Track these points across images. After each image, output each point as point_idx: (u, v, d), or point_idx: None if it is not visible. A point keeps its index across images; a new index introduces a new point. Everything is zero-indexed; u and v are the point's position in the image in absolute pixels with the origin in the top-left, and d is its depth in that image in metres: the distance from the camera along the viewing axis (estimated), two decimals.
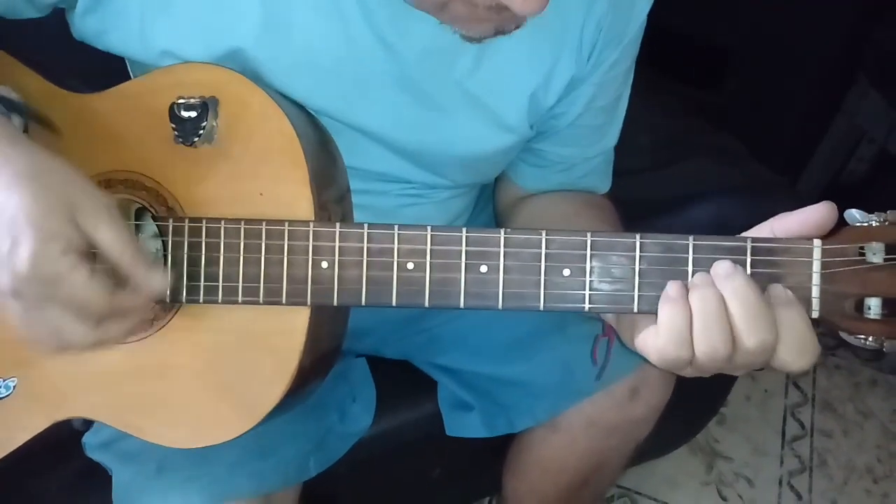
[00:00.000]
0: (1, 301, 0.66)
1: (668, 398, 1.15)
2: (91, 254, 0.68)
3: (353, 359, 1.17)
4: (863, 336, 0.68)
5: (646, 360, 0.72)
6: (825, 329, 0.69)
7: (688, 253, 0.69)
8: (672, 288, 0.68)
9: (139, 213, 0.82)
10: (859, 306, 0.67)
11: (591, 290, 0.70)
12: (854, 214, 0.68)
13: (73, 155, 0.75)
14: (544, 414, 1.15)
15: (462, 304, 0.72)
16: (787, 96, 1.94)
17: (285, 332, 0.77)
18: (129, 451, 0.97)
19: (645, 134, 1.46)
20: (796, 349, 0.67)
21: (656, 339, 0.68)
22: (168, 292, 0.76)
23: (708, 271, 0.68)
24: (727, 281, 0.66)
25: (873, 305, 0.67)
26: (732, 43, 1.98)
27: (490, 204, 1.18)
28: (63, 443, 0.92)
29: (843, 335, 0.70)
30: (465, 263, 0.72)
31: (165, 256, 0.77)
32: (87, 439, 1.02)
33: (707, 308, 0.66)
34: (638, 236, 0.70)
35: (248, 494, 0.96)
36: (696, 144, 1.59)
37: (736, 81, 2.01)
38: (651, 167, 1.49)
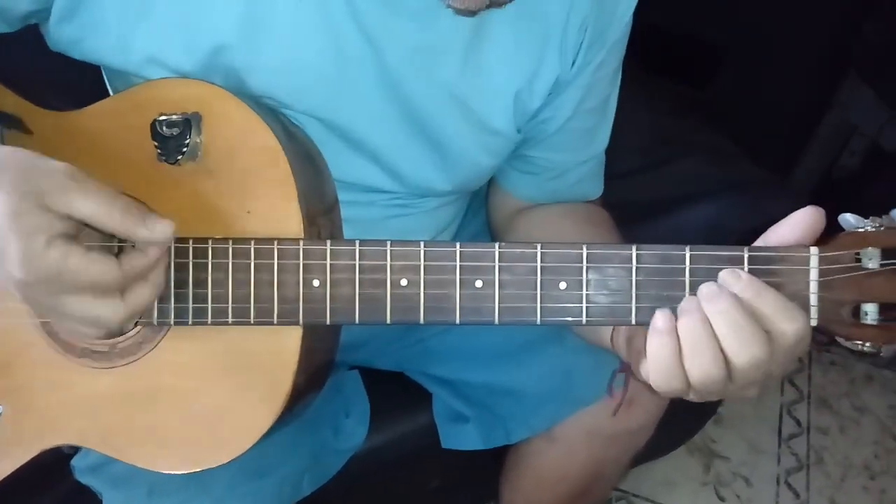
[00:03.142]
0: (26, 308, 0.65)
1: (665, 406, 1.14)
2: (81, 227, 0.65)
3: (345, 371, 1.16)
4: (860, 342, 0.68)
5: None
6: (822, 336, 0.69)
7: (684, 263, 0.68)
8: (659, 320, 0.67)
9: None
10: (856, 312, 0.67)
11: (588, 302, 0.69)
12: (848, 219, 0.67)
13: None
14: (541, 424, 1.14)
15: (458, 321, 0.71)
16: (778, 93, 1.94)
17: (278, 351, 0.75)
18: (120, 475, 0.95)
19: (636, 135, 1.46)
20: (793, 357, 0.67)
21: (649, 373, 0.68)
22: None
23: (704, 281, 0.67)
24: (711, 303, 0.66)
25: (870, 311, 0.67)
26: (722, 40, 1.98)
27: (481, 212, 1.17)
28: (51, 466, 0.89)
29: (840, 341, 0.69)
30: (460, 279, 0.70)
31: None
32: (76, 462, 1.00)
33: (694, 335, 0.66)
34: (634, 248, 0.69)
35: None
36: (688, 144, 1.59)
37: (726, 79, 2.02)
38: (643, 169, 1.49)
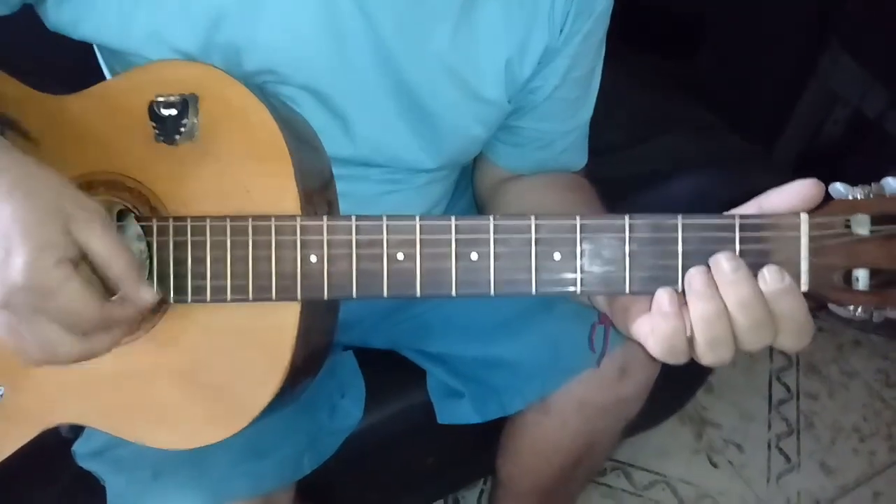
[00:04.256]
0: None
1: (656, 376, 1.15)
2: (82, 264, 0.68)
3: (340, 352, 1.17)
4: (852, 307, 0.68)
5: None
6: (814, 302, 0.69)
7: (677, 232, 0.69)
8: (665, 302, 0.67)
9: (121, 215, 0.80)
10: (847, 278, 0.67)
11: (582, 272, 0.70)
12: (838, 188, 0.68)
13: (52, 158, 0.74)
14: (535, 394, 1.15)
15: (454, 293, 0.71)
16: (761, 64, 1.94)
17: (276, 328, 0.76)
18: (123, 459, 0.96)
19: (620, 109, 1.46)
20: (795, 336, 0.67)
21: (654, 347, 0.68)
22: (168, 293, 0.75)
23: (699, 254, 0.68)
24: (732, 288, 0.65)
25: (861, 277, 0.67)
26: (705, 12, 1.97)
27: (469, 189, 1.17)
28: (52, 453, 0.90)
29: (833, 307, 0.70)
30: (456, 252, 0.71)
31: (150, 257, 0.76)
32: (78, 448, 1.01)
33: (708, 326, 0.65)
34: (627, 217, 0.69)
35: (245, 496, 0.95)
36: (672, 118, 1.59)
37: (709, 52, 2.01)
38: (627, 143, 1.49)
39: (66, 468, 1.01)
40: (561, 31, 0.91)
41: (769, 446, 1.88)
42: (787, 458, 1.86)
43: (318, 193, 0.80)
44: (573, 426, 1.18)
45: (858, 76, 1.90)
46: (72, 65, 0.86)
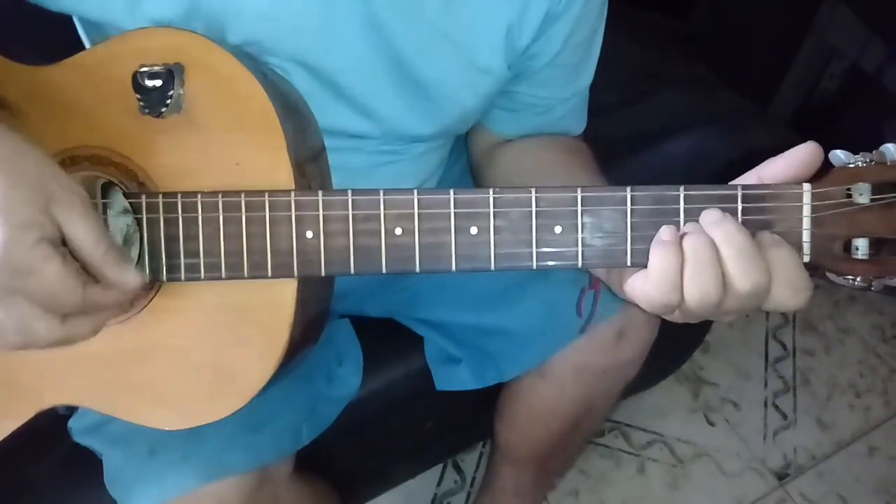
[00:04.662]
0: None
1: (653, 339, 1.15)
2: (63, 246, 0.65)
3: (336, 320, 1.16)
4: (851, 276, 0.68)
5: (630, 303, 0.71)
6: (813, 271, 0.69)
7: (679, 203, 0.67)
8: (665, 232, 0.66)
9: (106, 189, 0.78)
10: (847, 247, 0.67)
11: (583, 245, 0.69)
12: (839, 155, 0.67)
13: (33, 132, 0.72)
14: (532, 360, 1.14)
15: (454, 268, 0.70)
16: (757, 18, 1.92)
17: (273, 303, 0.74)
18: (118, 434, 0.95)
19: (614, 69, 1.43)
20: (790, 287, 0.66)
21: (645, 284, 0.67)
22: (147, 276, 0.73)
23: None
24: (717, 227, 0.65)
25: (861, 246, 0.67)
26: None
27: (463, 155, 1.15)
28: (47, 429, 0.89)
29: (831, 276, 0.69)
30: (455, 226, 0.69)
31: (141, 235, 0.74)
32: (73, 424, 1.00)
33: (699, 254, 0.65)
34: (628, 189, 0.68)
35: (243, 469, 0.94)
36: (667, 76, 1.58)
37: (705, 7, 1.99)
38: (622, 102, 1.47)
39: (60, 442, 1.00)
40: None
41: (765, 404, 1.89)
42: (784, 415, 1.87)
43: (311, 165, 0.78)
44: (571, 391, 1.17)
45: (857, 29, 1.88)
46: (52, 36, 0.83)
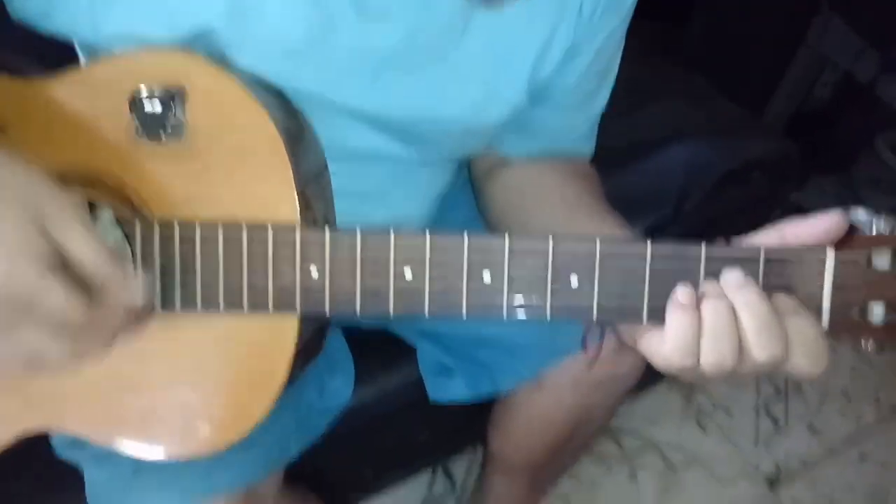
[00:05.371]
0: None
1: None
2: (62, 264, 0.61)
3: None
4: (864, 340, 0.67)
5: None
6: (830, 335, 0.67)
7: (699, 262, 0.65)
8: (682, 294, 0.64)
9: (92, 208, 0.73)
10: (863, 311, 0.66)
11: (598, 299, 0.66)
12: (861, 216, 0.65)
13: (22, 150, 0.68)
14: (528, 373, 1.12)
15: (465, 315, 0.67)
16: (753, 28, 1.92)
17: (272, 338, 0.72)
18: (103, 452, 0.90)
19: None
20: (809, 357, 0.64)
21: (661, 346, 0.65)
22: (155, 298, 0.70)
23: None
24: (739, 293, 0.63)
25: (877, 311, 0.65)
26: None
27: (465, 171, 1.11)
28: (29, 442, 0.86)
29: (845, 337, 0.68)
30: (468, 272, 0.66)
31: (133, 251, 0.70)
32: (56, 438, 0.96)
33: (719, 321, 0.63)
34: (648, 243, 0.65)
35: (231, 488, 0.92)
36: (662, 86, 1.58)
37: (702, 17, 1.98)
38: (619, 112, 1.46)
39: (42, 456, 0.96)
40: (588, 22, 0.85)
41: (757, 410, 1.89)
42: (775, 421, 1.87)
43: (317, 197, 0.74)
44: (568, 403, 1.16)
45: (849, 40, 1.88)
46: (47, 47, 0.78)
